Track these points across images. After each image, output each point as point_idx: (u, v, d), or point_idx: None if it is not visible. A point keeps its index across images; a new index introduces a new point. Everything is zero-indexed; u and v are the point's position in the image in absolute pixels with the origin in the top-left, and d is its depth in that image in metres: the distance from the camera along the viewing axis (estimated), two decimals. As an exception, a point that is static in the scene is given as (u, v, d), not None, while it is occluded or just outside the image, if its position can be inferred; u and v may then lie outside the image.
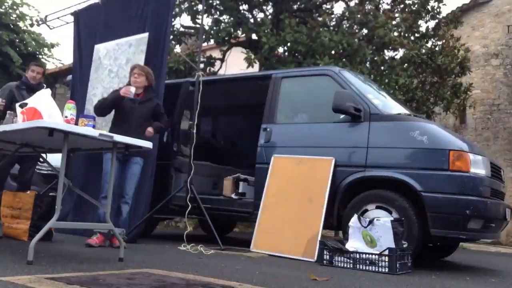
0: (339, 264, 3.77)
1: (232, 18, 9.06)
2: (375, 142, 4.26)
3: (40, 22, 7.11)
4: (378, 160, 4.21)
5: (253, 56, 8.79)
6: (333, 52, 8.20)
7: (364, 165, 4.26)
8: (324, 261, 3.86)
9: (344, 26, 9.30)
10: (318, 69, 5.49)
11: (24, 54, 11.75)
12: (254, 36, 9.25)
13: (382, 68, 8.56)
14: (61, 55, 17.62)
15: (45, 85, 4.88)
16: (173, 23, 9.24)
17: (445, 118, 13.82)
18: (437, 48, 9.71)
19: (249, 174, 5.40)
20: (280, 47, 8.68)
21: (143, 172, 4.71)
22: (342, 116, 4.48)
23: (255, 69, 8.98)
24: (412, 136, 4.09)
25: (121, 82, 5.22)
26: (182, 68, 8.62)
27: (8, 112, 3.54)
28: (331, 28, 9.33)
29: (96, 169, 5.23)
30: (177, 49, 10.24)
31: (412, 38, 9.50)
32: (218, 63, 10.08)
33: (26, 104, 3.28)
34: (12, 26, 11.79)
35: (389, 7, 10.05)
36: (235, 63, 9.25)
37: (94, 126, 3.21)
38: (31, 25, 12.07)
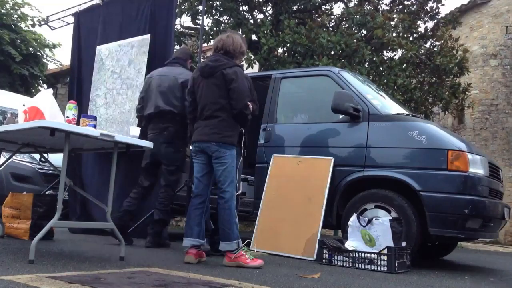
0: (338, 263, 3.79)
1: (232, 19, 9.09)
2: (374, 142, 4.28)
3: (41, 23, 7.12)
4: (377, 160, 4.23)
5: (252, 57, 8.81)
6: (332, 52, 8.22)
7: (363, 165, 4.28)
8: (324, 260, 3.88)
9: (343, 27, 9.32)
10: (317, 70, 5.51)
11: (25, 54, 11.75)
12: (254, 37, 9.28)
13: (381, 68, 8.57)
14: (62, 55, 17.74)
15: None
16: (173, 24, 9.25)
17: (444, 118, 13.86)
18: (435, 49, 9.72)
19: (249, 173, 5.42)
20: (280, 48, 8.71)
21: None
22: (341, 116, 4.51)
23: (255, 69, 9.00)
24: (411, 136, 4.11)
25: (124, 83, 5.22)
26: (183, 68, 8.62)
27: (10, 112, 3.55)
28: (330, 29, 9.35)
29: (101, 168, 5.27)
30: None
31: (411, 38, 9.52)
32: (218, 63, 10.09)
33: None
34: (13, 27, 11.78)
35: (388, 8, 10.09)
36: (235, 64, 9.25)
37: (95, 126, 3.22)
38: (33, 25, 12.06)
